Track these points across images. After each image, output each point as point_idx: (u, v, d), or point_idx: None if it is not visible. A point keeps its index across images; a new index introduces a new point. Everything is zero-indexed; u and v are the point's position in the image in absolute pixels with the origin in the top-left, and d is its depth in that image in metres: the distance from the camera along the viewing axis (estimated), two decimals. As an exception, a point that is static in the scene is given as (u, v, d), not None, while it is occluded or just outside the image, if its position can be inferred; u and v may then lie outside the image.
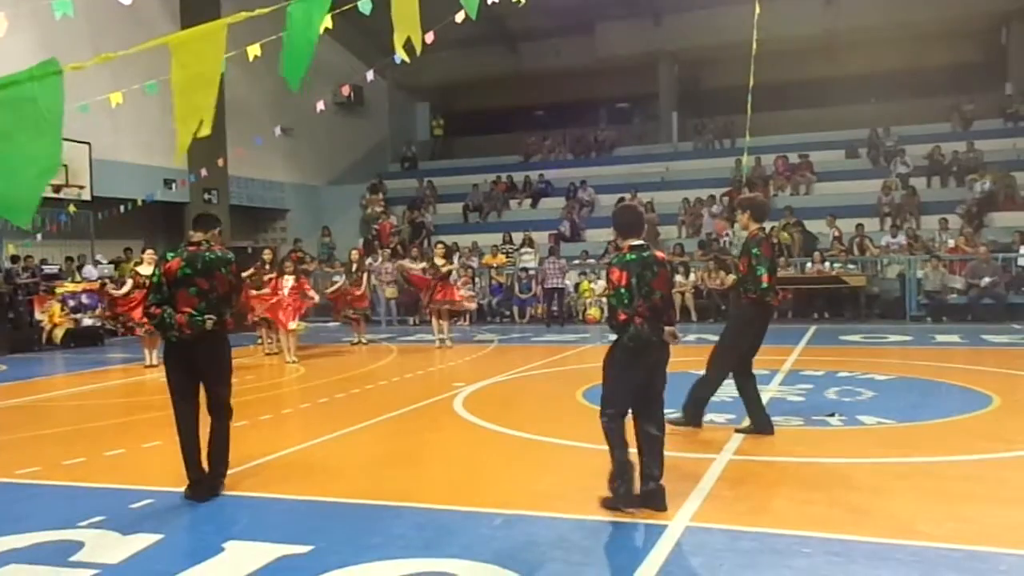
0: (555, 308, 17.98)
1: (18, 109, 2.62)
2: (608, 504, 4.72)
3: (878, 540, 4.19)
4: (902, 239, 17.89)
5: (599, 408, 4.85)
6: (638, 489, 4.75)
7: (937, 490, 5.09)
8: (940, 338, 13.40)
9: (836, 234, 18.27)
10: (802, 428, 6.87)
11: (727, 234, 18.32)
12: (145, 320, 5.33)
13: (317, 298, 13.40)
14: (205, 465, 5.35)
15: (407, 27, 3.81)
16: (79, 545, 4.42)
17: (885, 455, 5.93)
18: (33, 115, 2.65)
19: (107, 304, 13.28)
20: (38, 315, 15.32)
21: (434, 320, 14.12)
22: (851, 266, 17.18)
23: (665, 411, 5.00)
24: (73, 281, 16.01)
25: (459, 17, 6.02)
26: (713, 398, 7.93)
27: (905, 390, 8.73)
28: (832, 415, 7.23)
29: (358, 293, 14.58)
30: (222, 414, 5.43)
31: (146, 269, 11.57)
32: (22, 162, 2.68)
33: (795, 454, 6.02)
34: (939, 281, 16.22)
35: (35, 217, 16.72)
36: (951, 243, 17.37)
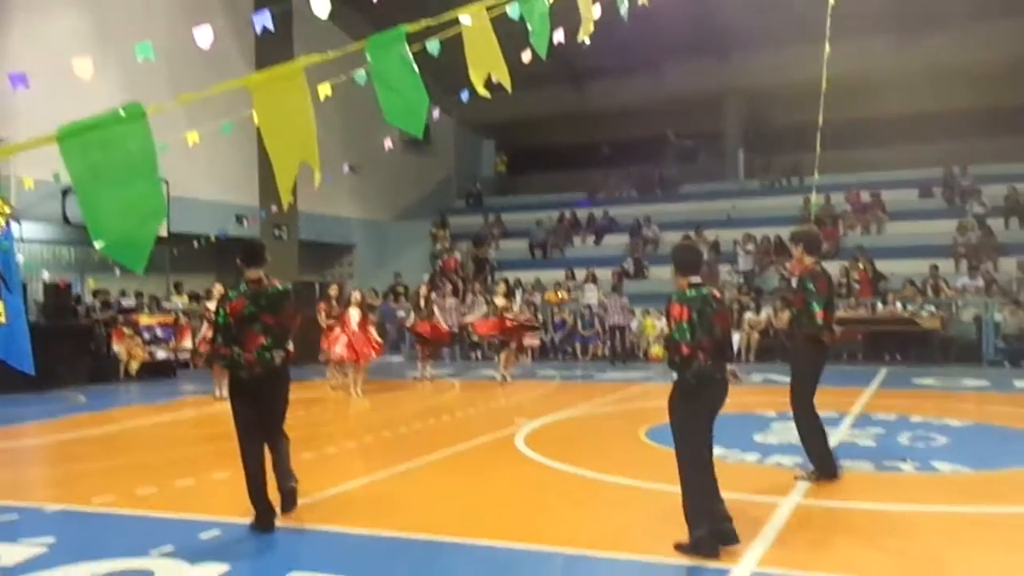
0: (618, 346, 17.85)
1: (108, 151, 2.74)
2: (680, 548, 4.62)
3: (955, 593, 4.02)
4: (979, 281, 17.30)
5: (677, 459, 4.74)
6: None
7: (1015, 541, 4.87)
8: (1020, 384, 12.86)
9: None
10: (874, 473, 6.65)
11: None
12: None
13: (381, 344, 13.48)
14: (272, 494, 5.44)
15: (488, 65, 3.87)
16: (149, 574, 4.52)
17: (960, 503, 5.70)
18: (125, 158, 2.76)
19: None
20: (116, 347, 15.85)
21: (505, 356, 14.17)
22: (927, 308, 16.63)
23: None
24: (149, 315, 16.54)
25: (526, 57, 6.12)
26: (781, 441, 7.79)
27: (983, 437, 8.41)
28: (905, 460, 6.99)
29: (436, 328, 14.74)
30: (280, 438, 5.56)
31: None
32: (124, 205, 2.78)
33: (866, 499, 5.82)
34: (1018, 325, 15.62)
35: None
36: (1032, 284, 16.74)
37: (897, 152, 23.99)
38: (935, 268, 17.66)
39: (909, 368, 15.25)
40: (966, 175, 21.78)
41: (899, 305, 16.71)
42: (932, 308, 16.65)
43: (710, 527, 4.56)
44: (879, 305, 17.00)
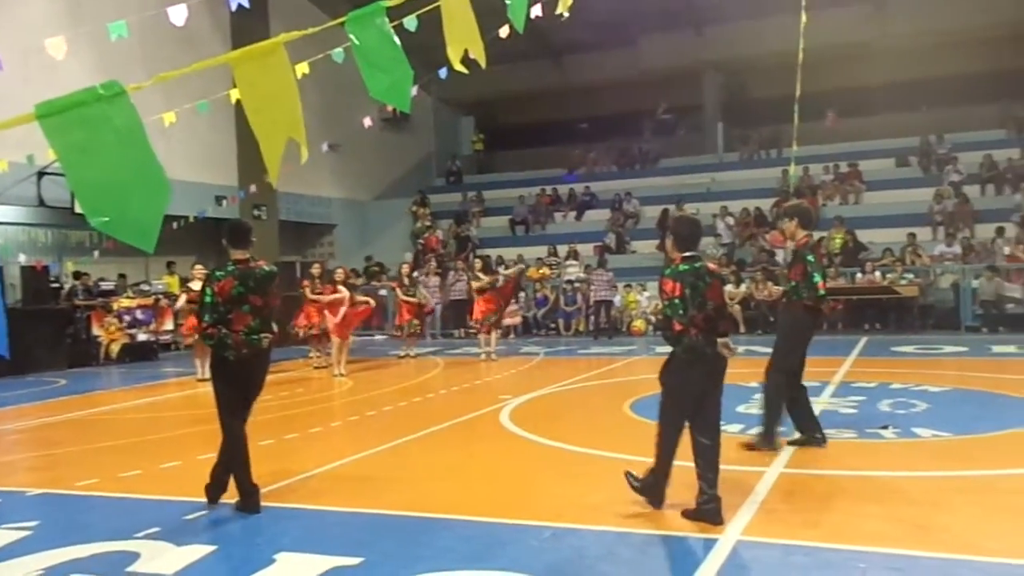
0: (603, 321, 17.90)
1: (93, 128, 2.69)
2: (633, 482, 4.98)
3: (939, 555, 4.09)
4: (957, 248, 17.49)
5: (658, 420, 4.85)
6: (695, 503, 4.73)
7: (997, 504, 4.95)
8: (997, 349, 13.05)
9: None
10: (855, 440, 6.74)
11: (782, 247, 18.01)
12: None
13: (373, 302, 13.54)
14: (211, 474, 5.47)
15: (464, 40, 3.83)
16: (135, 556, 4.51)
17: (942, 468, 5.79)
18: (112, 134, 2.71)
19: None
20: (95, 331, 15.73)
21: (484, 334, 14.15)
22: (907, 276, 16.79)
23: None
24: (128, 297, 16.40)
25: (503, 32, 6.07)
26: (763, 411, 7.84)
27: (961, 402, 8.53)
28: (886, 427, 7.09)
29: (420, 304, 14.79)
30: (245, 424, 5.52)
31: (197, 285, 11.78)
32: (121, 183, 2.74)
33: (849, 467, 5.91)
34: (995, 291, 15.81)
35: (93, 233, 17.18)
36: (1007, 251, 16.93)
37: (874, 122, 24.12)
38: (913, 236, 17.81)
39: (889, 336, 15.42)
40: (942, 143, 21.93)
41: (878, 274, 16.86)
42: (911, 276, 16.81)
43: (664, 481, 4.87)
44: (858, 274, 17.13)
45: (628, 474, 5.04)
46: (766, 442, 6.41)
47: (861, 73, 23.62)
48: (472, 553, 4.37)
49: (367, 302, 13.27)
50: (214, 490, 5.46)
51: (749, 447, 6.42)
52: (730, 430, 7.07)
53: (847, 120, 24.30)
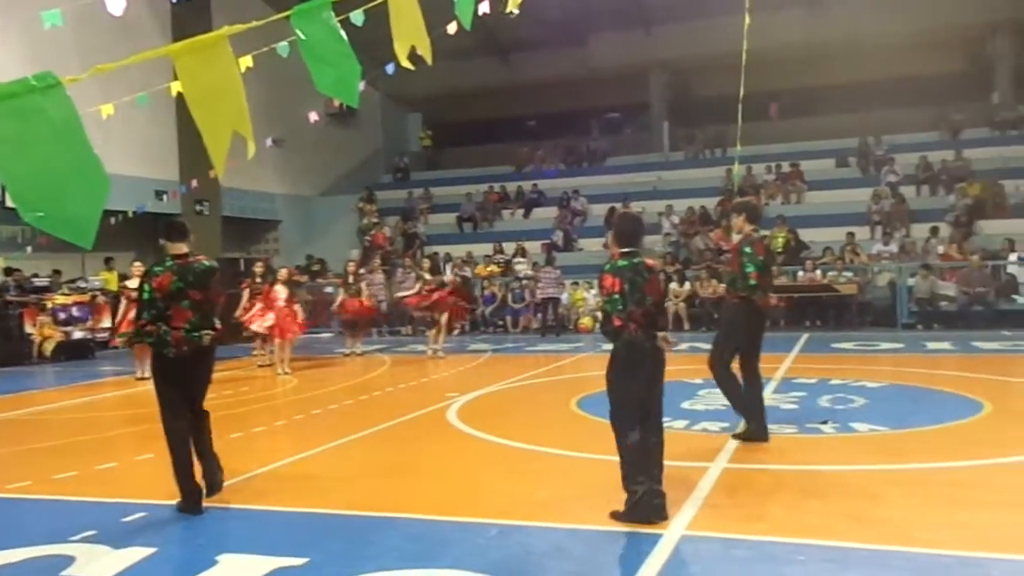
0: (550, 318, 17.97)
1: (26, 120, 2.60)
2: (617, 516, 4.68)
3: (874, 547, 4.19)
4: (893, 247, 17.98)
5: (610, 424, 4.82)
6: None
7: (931, 496, 5.10)
8: (931, 345, 13.44)
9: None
10: (796, 436, 6.87)
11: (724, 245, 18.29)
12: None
13: (302, 317, 13.27)
14: (200, 474, 5.34)
15: (411, 36, 3.81)
16: (70, 560, 4.38)
17: (879, 462, 5.94)
18: (46, 126, 2.62)
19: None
20: (28, 328, 15.25)
21: (436, 331, 14.07)
22: (846, 274, 17.22)
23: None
24: (63, 294, 15.94)
25: (451, 28, 6.04)
26: (707, 407, 7.98)
27: (897, 397, 8.75)
28: (825, 423, 7.24)
29: (366, 304, 14.67)
30: (203, 417, 5.43)
31: (135, 283, 11.49)
32: (57, 178, 2.65)
33: (790, 462, 6.03)
34: (929, 289, 16.28)
35: (26, 228, 16.65)
36: (941, 250, 17.46)
37: (815, 123, 24.69)
38: (851, 235, 18.25)
39: (828, 333, 15.77)
40: (880, 145, 22.54)
41: (818, 272, 17.23)
42: (849, 274, 17.23)
43: (646, 490, 4.62)
44: (799, 272, 17.50)
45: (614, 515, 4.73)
46: (759, 431, 6.59)
47: (803, 75, 24.16)
48: (418, 552, 4.35)
49: (298, 321, 12.89)
50: (210, 478, 5.37)
51: (737, 437, 6.62)
52: (676, 426, 7.16)
53: (789, 120, 24.81)
